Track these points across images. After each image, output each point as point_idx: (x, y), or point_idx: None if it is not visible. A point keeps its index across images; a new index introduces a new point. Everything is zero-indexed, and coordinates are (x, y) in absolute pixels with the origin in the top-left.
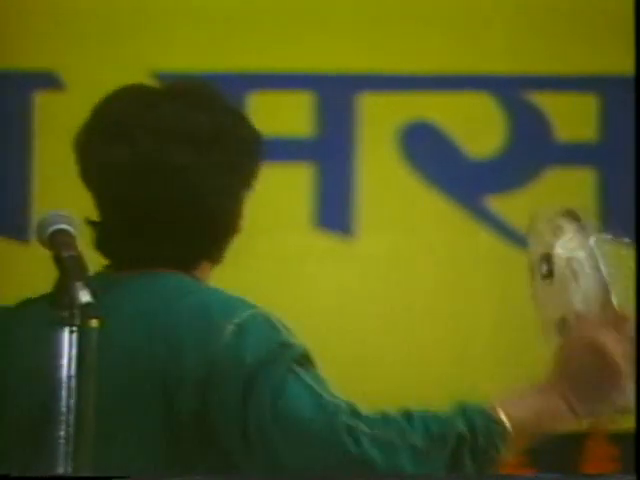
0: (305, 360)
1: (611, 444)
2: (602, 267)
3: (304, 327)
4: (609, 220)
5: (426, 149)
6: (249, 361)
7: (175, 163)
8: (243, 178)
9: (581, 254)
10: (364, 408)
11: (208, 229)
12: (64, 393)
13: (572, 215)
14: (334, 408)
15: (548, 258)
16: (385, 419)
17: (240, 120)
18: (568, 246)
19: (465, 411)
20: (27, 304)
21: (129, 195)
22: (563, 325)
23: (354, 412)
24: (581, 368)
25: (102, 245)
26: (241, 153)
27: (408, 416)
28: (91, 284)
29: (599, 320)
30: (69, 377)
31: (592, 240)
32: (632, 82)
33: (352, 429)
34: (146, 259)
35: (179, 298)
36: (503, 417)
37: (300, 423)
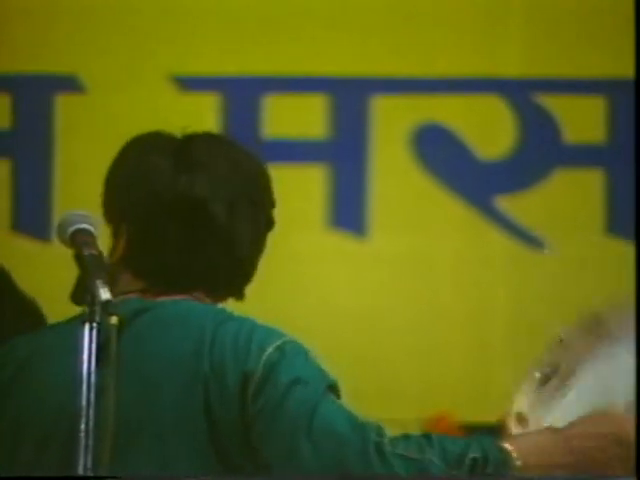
0: (335, 389)
1: None
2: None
3: (318, 325)
4: (616, 221)
5: (438, 150)
6: (284, 380)
7: (250, 198)
8: (269, 224)
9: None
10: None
11: (250, 264)
12: (84, 388)
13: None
14: (365, 426)
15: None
16: (406, 438)
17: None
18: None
19: (480, 440)
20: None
21: (195, 228)
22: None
23: (380, 431)
24: (598, 444)
25: (143, 270)
26: (270, 200)
27: (427, 437)
28: (131, 304)
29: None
30: (89, 372)
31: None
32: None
33: (379, 446)
34: (184, 287)
35: (220, 324)
36: (513, 452)
37: (334, 439)
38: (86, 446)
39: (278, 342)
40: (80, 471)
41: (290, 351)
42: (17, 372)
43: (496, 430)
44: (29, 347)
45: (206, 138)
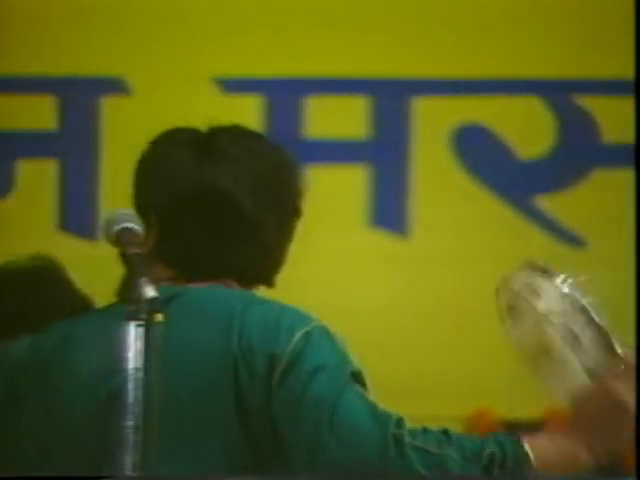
0: (359, 376)
1: None
2: (596, 318)
3: (359, 323)
4: None
5: (478, 151)
6: (308, 368)
7: (274, 188)
8: (296, 213)
9: (574, 315)
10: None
11: (278, 252)
12: (131, 384)
13: (538, 268)
14: (386, 418)
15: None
16: (425, 432)
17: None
18: (556, 309)
19: (497, 436)
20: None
21: (221, 217)
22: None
23: (400, 423)
24: (600, 417)
25: (171, 260)
26: (296, 189)
27: (445, 433)
28: (161, 292)
29: (611, 371)
30: (136, 369)
31: (574, 294)
32: None
33: (398, 438)
34: (212, 275)
35: (249, 307)
36: (529, 448)
37: (356, 430)
38: (135, 443)
39: (307, 327)
40: (128, 469)
41: (316, 338)
42: (44, 365)
43: (537, 426)
44: (59, 336)
45: (229, 131)
